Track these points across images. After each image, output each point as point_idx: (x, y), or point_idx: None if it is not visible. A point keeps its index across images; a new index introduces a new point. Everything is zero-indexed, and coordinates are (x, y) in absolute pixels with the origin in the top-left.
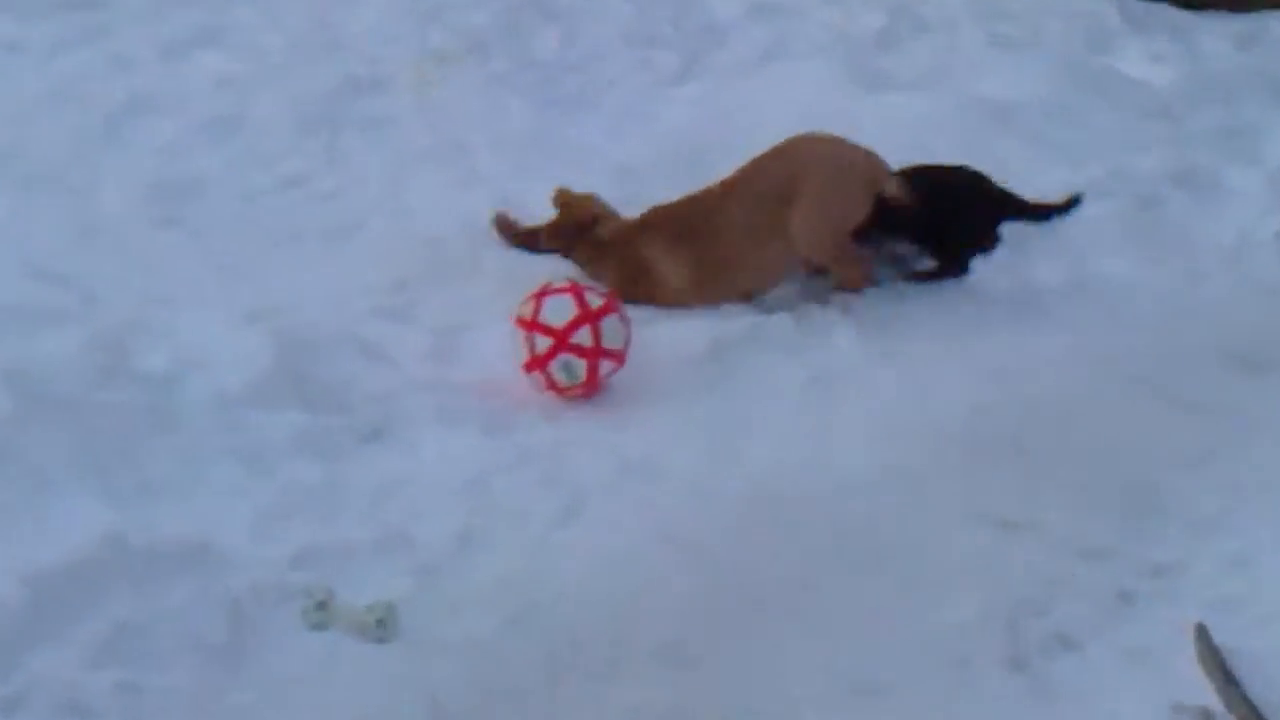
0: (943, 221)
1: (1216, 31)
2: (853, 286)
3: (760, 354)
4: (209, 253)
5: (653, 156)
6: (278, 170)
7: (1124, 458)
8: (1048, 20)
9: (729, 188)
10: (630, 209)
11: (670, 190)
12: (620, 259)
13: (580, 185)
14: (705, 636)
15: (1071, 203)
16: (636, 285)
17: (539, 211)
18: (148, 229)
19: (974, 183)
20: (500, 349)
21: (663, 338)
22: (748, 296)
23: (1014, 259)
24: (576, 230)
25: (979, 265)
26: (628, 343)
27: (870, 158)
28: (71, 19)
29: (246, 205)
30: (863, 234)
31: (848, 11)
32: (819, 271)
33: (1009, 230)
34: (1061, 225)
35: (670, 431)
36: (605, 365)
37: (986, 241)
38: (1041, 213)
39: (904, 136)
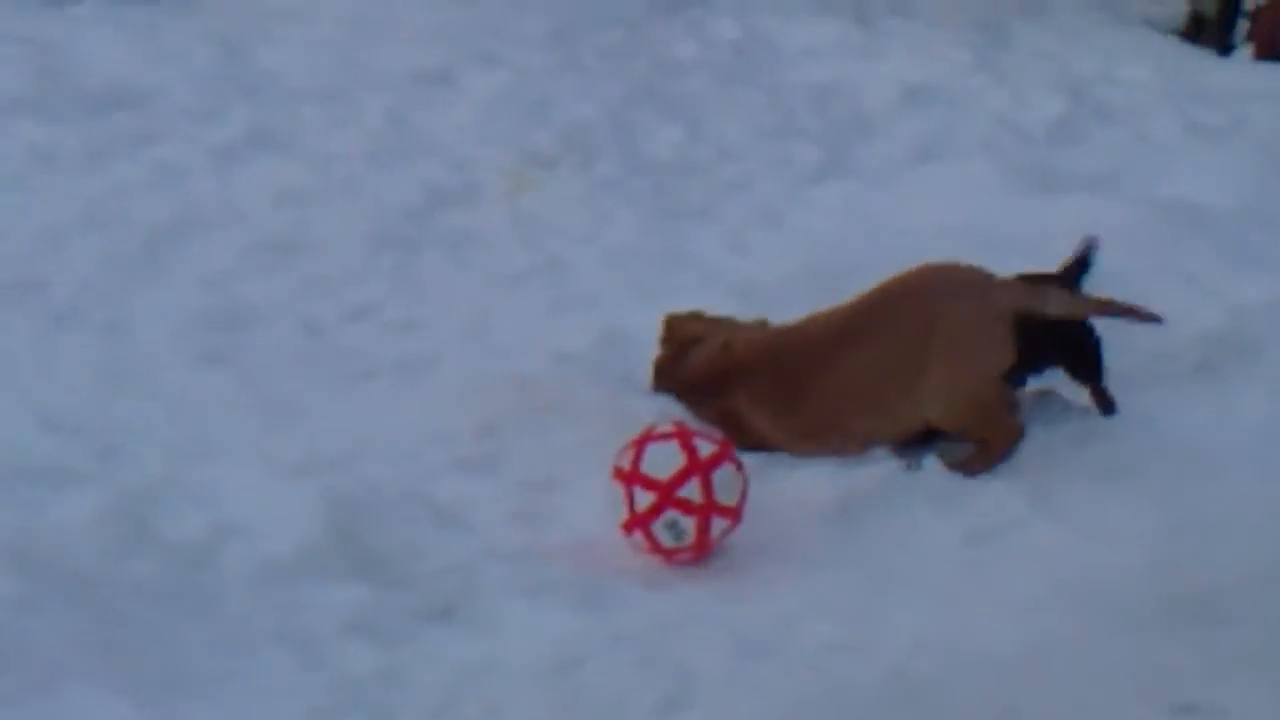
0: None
1: None
2: (1000, 451)
3: (900, 508)
4: (256, 396)
5: (783, 272)
6: (343, 297)
7: None
8: (1251, 105)
9: (842, 332)
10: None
11: (802, 312)
12: (708, 405)
13: (700, 307)
14: None
15: (1086, 252)
16: (730, 432)
17: (647, 345)
18: (186, 369)
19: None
20: (596, 507)
21: (785, 490)
22: (859, 451)
23: (1205, 386)
24: (673, 364)
25: (1168, 401)
26: (744, 497)
27: (1009, 285)
28: (111, 121)
29: (305, 339)
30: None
31: (1018, 97)
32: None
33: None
34: (1261, 346)
35: (795, 604)
36: (718, 524)
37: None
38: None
39: (1074, 244)
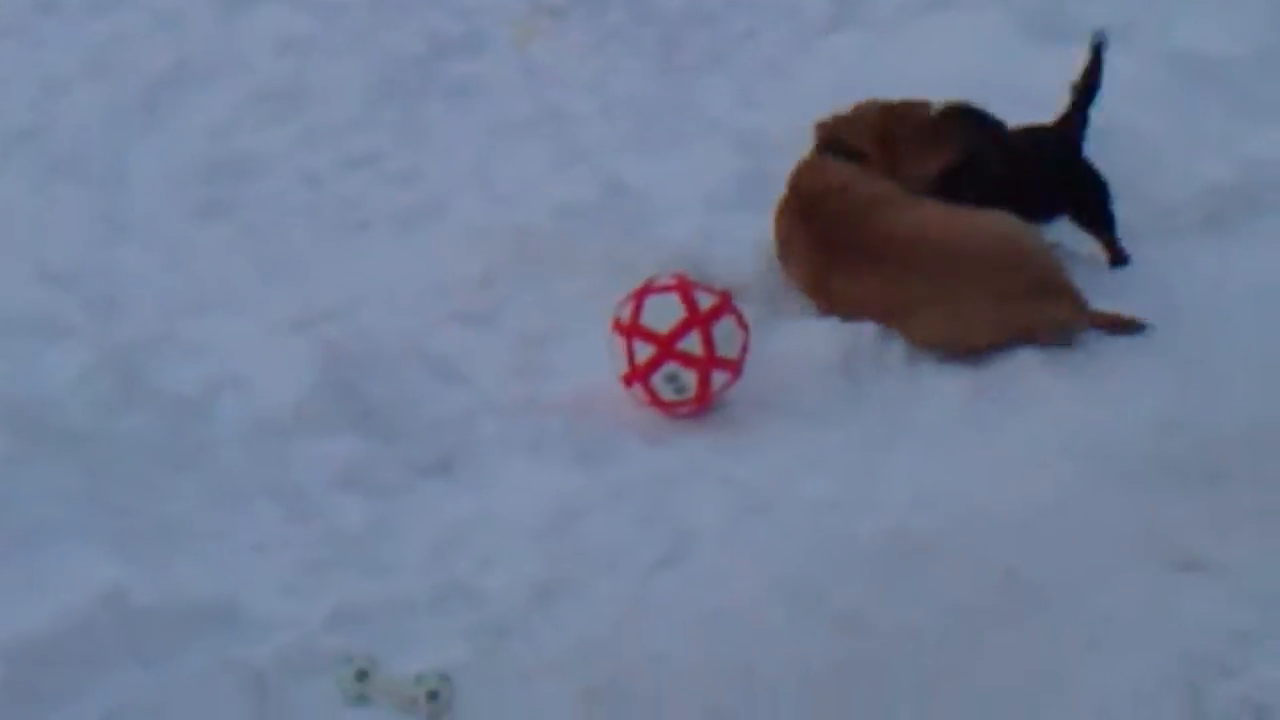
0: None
1: None
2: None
3: (905, 362)
4: (255, 247)
5: (790, 124)
6: (344, 147)
7: None
8: None
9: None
10: (757, 186)
11: None
12: None
13: (699, 160)
14: (833, 710)
15: (1096, 51)
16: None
17: (649, 197)
18: (185, 221)
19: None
20: (596, 359)
21: (787, 344)
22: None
23: (1219, 240)
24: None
25: (1176, 253)
26: (745, 350)
27: (1049, 265)
28: None
29: (306, 189)
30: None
31: None
32: None
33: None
34: (1273, 197)
35: (795, 459)
36: (718, 377)
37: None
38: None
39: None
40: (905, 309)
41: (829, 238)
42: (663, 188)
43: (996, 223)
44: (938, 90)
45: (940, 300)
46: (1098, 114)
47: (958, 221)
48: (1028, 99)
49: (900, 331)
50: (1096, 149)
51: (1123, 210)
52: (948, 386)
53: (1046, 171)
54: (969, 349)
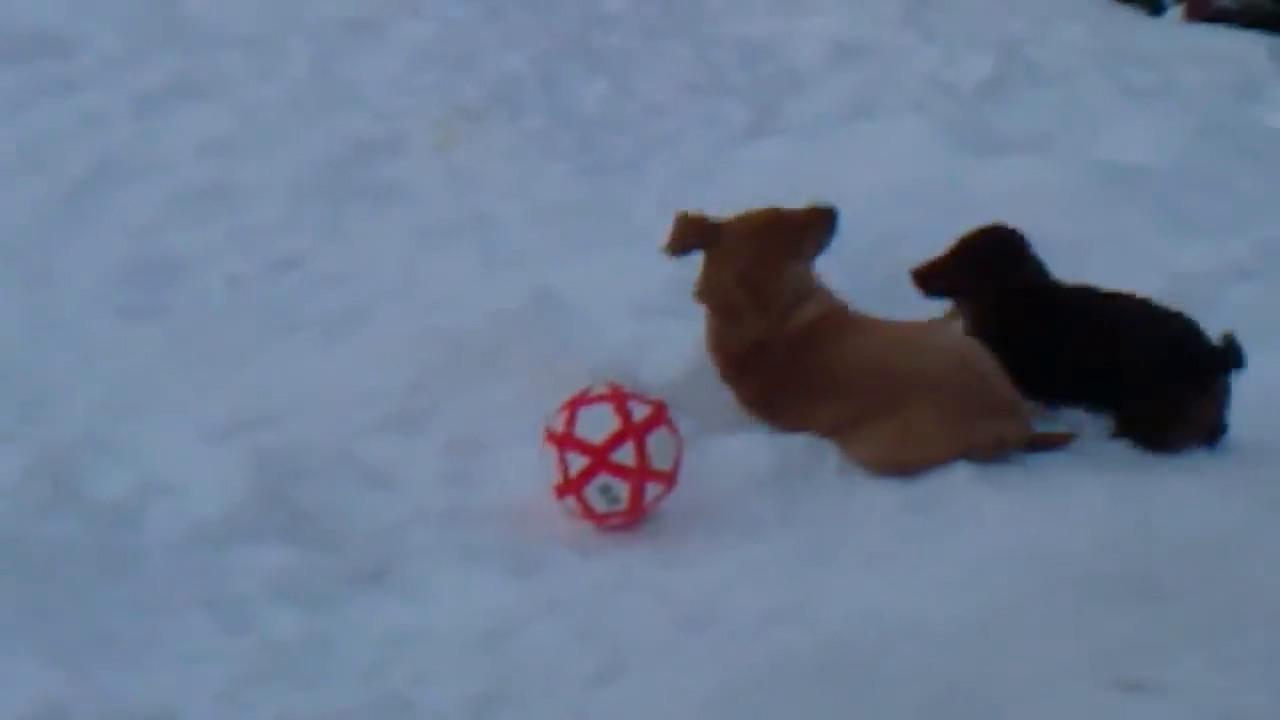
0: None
1: None
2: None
3: (838, 475)
4: (182, 350)
5: None
6: (270, 249)
7: (1273, 602)
8: (1184, 66)
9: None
10: (685, 293)
11: None
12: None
13: (626, 267)
14: None
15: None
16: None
17: (579, 304)
18: (111, 321)
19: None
20: (529, 470)
21: (721, 455)
22: None
23: None
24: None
25: None
26: (679, 462)
27: (999, 383)
28: (34, 69)
29: (231, 291)
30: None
31: (949, 55)
32: None
33: None
34: (1199, 314)
35: (731, 572)
36: (652, 489)
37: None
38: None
39: (1012, 208)
40: (852, 427)
41: (782, 366)
42: (592, 294)
43: (946, 340)
44: (863, 197)
45: (888, 419)
46: (1026, 223)
47: (907, 340)
48: (953, 208)
49: (844, 449)
50: None
51: None
52: (882, 500)
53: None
54: (914, 467)
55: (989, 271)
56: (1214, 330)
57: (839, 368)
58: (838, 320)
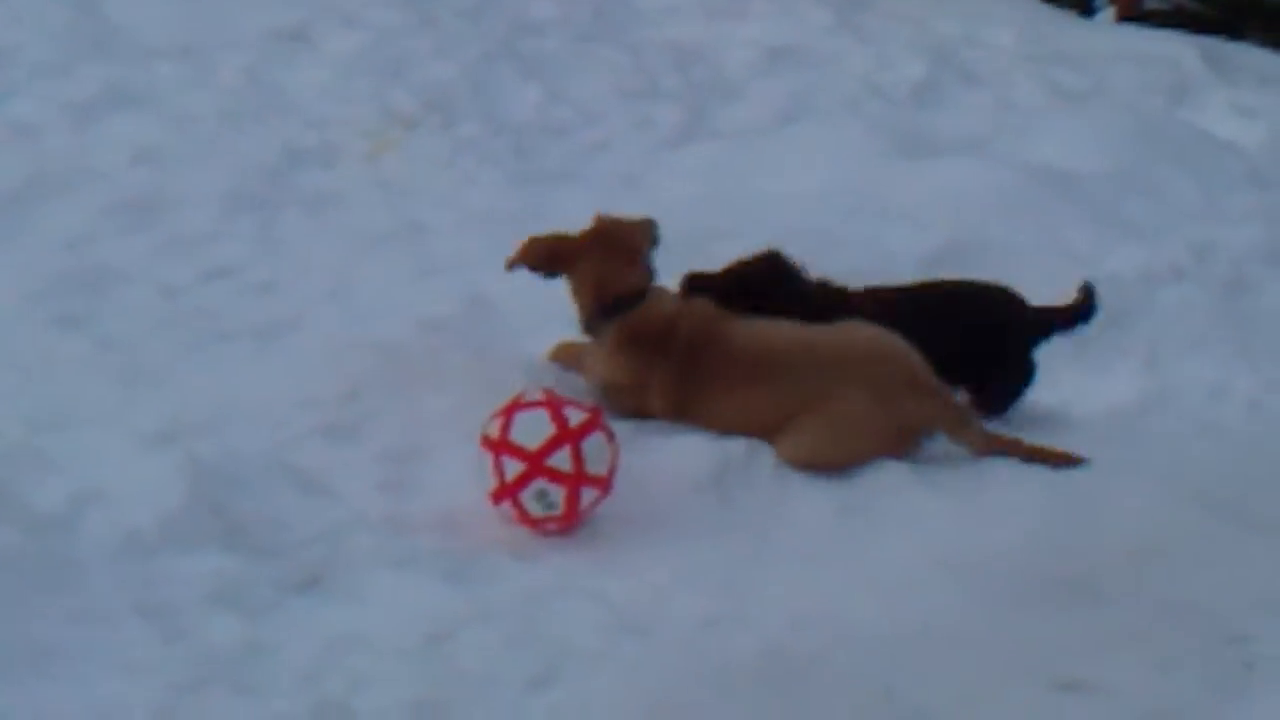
0: (970, 355)
1: None
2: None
3: (775, 478)
4: (115, 360)
5: None
6: (202, 259)
7: (1208, 603)
8: (1116, 68)
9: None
10: None
11: (674, 281)
12: None
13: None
14: None
15: (1087, 299)
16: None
17: (512, 311)
18: (41, 332)
19: (994, 303)
20: (464, 476)
21: (658, 460)
22: None
23: (1079, 359)
24: None
25: (1039, 371)
26: (615, 466)
27: (932, 402)
28: None
29: (164, 301)
30: None
31: (881, 59)
32: None
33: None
34: (1133, 316)
35: (667, 577)
36: (588, 494)
37: (1018, 378)
38: (1066, 320)
39: (945, 212)
40: (777, 425)
41: (689, 367)
42: (524, 302)
43: (858, 327)
44: (797, 202)
45: (815, 415)
46: (959, 227)
47: (819, 330)
48: (887, 211)
49: (774, 448)
50: (960, 262)
51: None
52: (818, 503)
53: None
54: (845, 463)
55: (753, 297)
56: (1145, 334)
57: (758, 359)
58: (728, 315)
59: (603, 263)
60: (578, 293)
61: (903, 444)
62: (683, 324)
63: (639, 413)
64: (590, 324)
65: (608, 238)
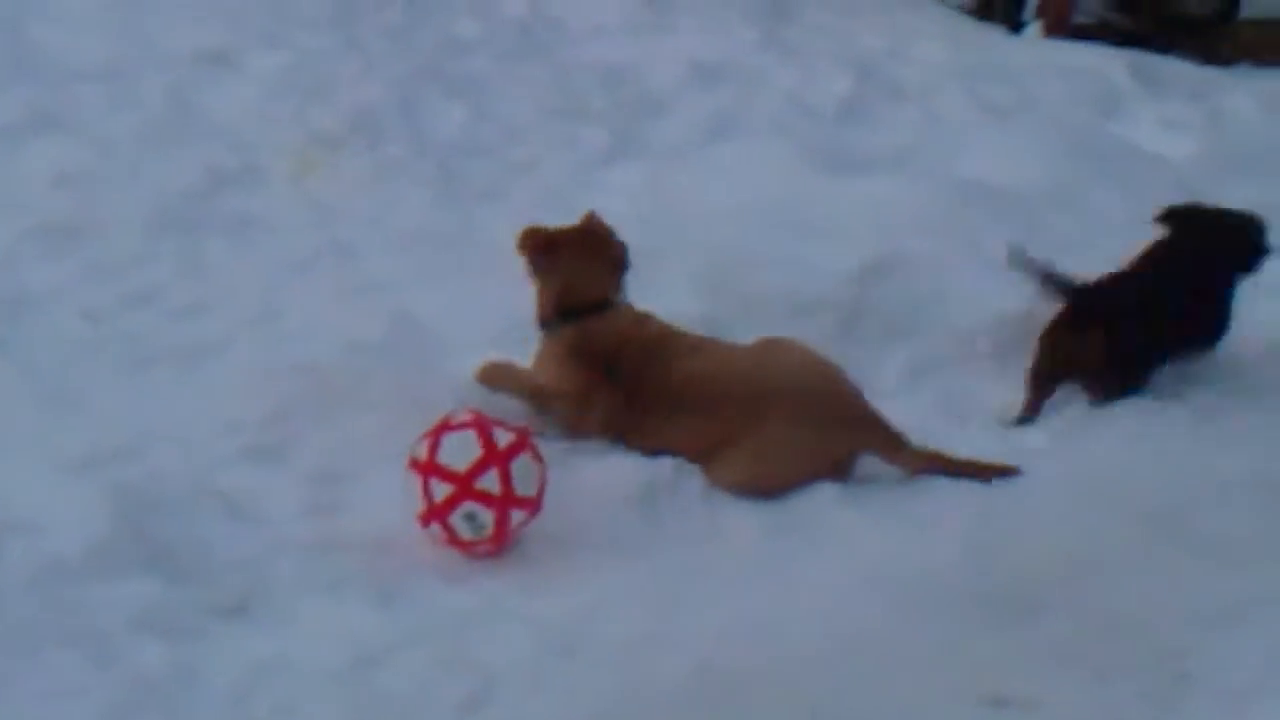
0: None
1: (1243, 90)
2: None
3: (703, 496)
4: (38, 385)
5: None
6: (125, 283)
7: (1143, 617)
8: (1044, 82)
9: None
10: None
11: None
12: None
13: (487, 293)
14: None
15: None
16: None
17: (439, 332)
18: None
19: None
20: (392, 499)
21: (586, 480)
22: None
23: (1007, 376)
24: None
25: (966, 387)
26: (543, 487)
27: (862, 426)
28: None
29: (86, 326)
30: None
31: (808, 75)
32: None
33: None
34: None
35: (597, 597)
36: (516, 515)
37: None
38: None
39: (874, 228)
40: (712, 448)
41: (632, 387)
42: (452, 322)
43: (798, 357)
44: (724, 219)
45: (747, 439)
46: (886, 243)
47: (759, 358)
48: (815, 227)
49: (706, 471)
50: (887, 278)
51: (915, 339)
52: (747, 521)
53: None
54: (776, 488)
55: None
56: None
57: (692, 385)
58: (677, 336)
59: (579, 263)
60: (546, 286)
61: (835, 469)
62: (633, 344)
63: (573, 426)
64: (547, 323)
65: (593, 240)
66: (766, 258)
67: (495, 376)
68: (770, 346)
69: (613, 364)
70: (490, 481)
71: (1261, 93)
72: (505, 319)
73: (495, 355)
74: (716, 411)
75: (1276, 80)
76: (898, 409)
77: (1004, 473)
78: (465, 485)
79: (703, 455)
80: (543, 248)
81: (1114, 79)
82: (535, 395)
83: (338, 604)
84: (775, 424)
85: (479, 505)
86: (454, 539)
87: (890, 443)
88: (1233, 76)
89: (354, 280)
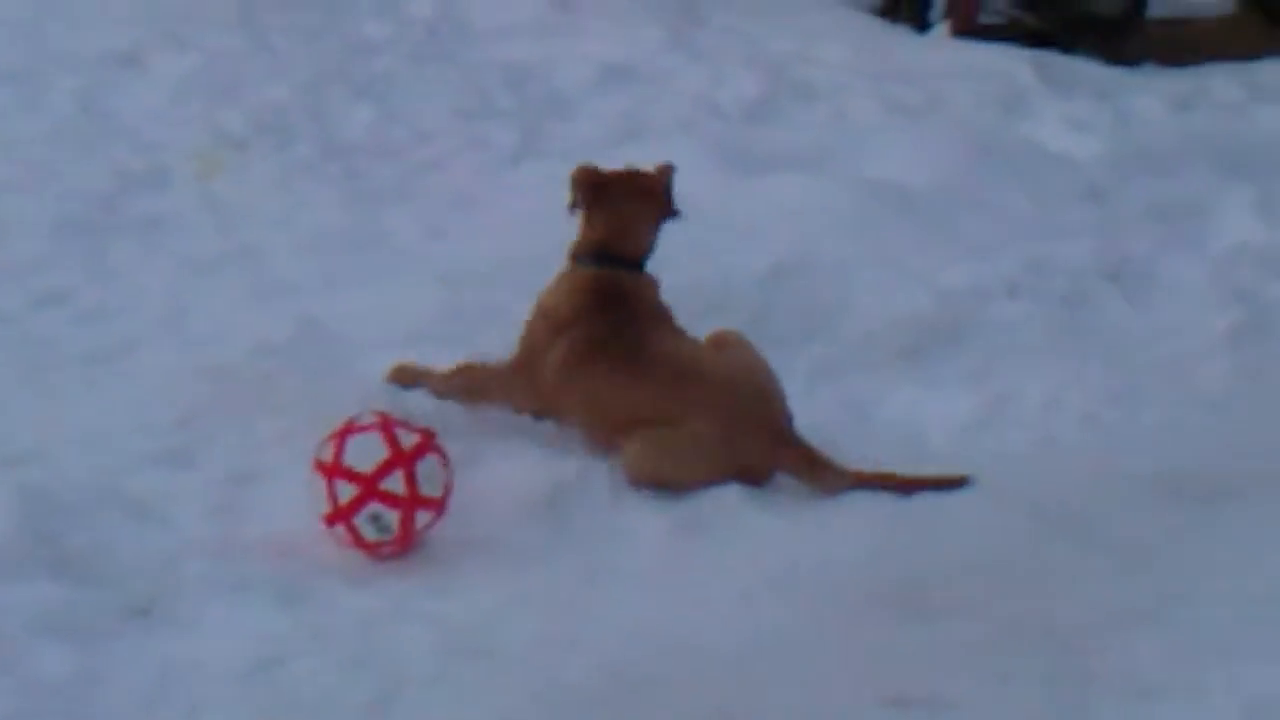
0: None
1: (1148, 91)
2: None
3: (612, 498)
4: None
5: (482, 256)
6: (32, 286)
7: (1047, 618)
8: (951, 83)
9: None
10: (453, 319)
11: (511, 300)
12: None
13: (395, 294)
14: None
15: None
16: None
17: (346, 334)
18: None
19: None
20: (298, 500)
21: (492, 480)
22: None
23: (911, 375)
24: None
25: (874, 388)
26: (449, 489)
27: (783, 450)
28: None
29: None
30: None
31: (717, 77)
32: None
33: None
34: (968, 331)
35: (503, 599)
36: (422, 516)
37: None
38: None
39: (784, 228)
40: (631, 427)
41: (608, 340)
42: (360, 324)
43: (735, 359)
44: None
45: (665, 430)
46: (795, 244)
47: (707, 351)
48: (723, 228)
49: (618, 454)
50: (797, 279)
51: (822, 340)
52: (653, 522)
53: None
54: (677, 485)
55: None
56: (980, 350)
57: (664, 360)
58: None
59: (628, 212)
60: (590, 226)
61: (747, 478)
62: (646, 304)
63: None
64: (580, 258)
65: (645, 192)
66: (675, 257)
67: (407, 376)
68: (717, 340)
69: (617, 317)
70: (395, 483)
71: (1167, 92)
72: (413, 320)
73: (404, 357)
74: (656, 391)
75: (1182, 80)
76: (804, 410)
77: (953, 484)
78: (370, 486)
79: (623, 430)
80: (596, 188)
81: (1020, 79)
82: (457, 378)
83: (243, 606)
84: (697, 422)
85: (384, 506)
86: (359, 540)
87: (808, 467)
88: (1139, 76)
89: (261, 283)
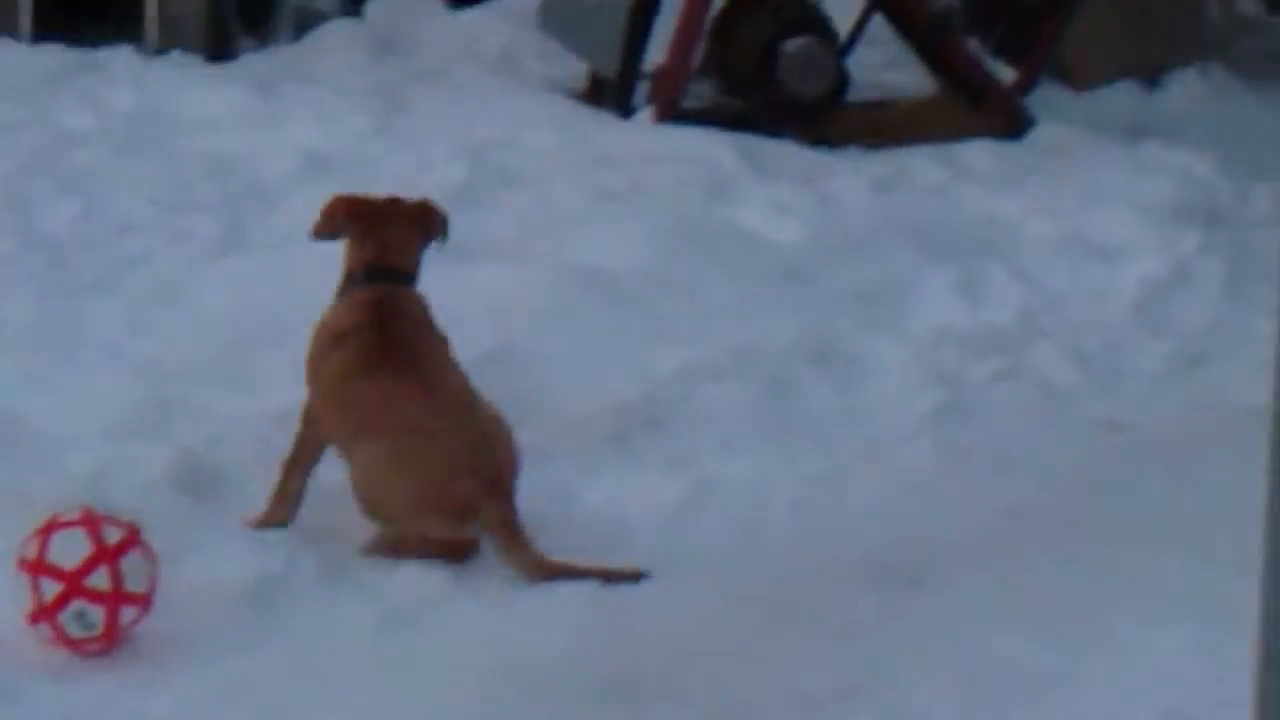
0: None
1: (850, 173)
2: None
3: (320, 588)
4: None
5: (185, 349)
6: None
7: (752, 701)
8: (655, 167)
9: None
10: (155, 414)
11: (213, 393)
12: None
13: (97, 387)
14: None
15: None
16: None
17: (46, 429)
18: None
19: None
20: (2, 598)
21: (198, 574)
22: None
23: (617, 461)
24: None
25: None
26: (155, 583)
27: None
28: None
29: None
30: None
31: (422, 164)
32: None
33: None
34: (673, 417)
35: (211, 693)
36: (127, 612)
37: None
38: None
39: (486, 318)
40: (378, 432)
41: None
42: (60, 419)
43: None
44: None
45: (403, 438)
46: (500, 334)
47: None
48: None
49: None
50: (501, 367)
51: (528, 429)
52: (359, 613)
53: None
54: (388, 500)
55: None
56: (685, 435)
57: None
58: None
59: (396, 230)
60: (358, 248)
61: (451, 523)
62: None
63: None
64: (352, 278)
65: (412, 211)
66: None
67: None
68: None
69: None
70: (100, 579)
71: (869, 174)
72: (114, 415)
73: (104, 451)
74: (419, 399)
75: (885, 162)
76: None
77: (629, 577)
78: (75, 583)
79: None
80: (361, 213)
81: (724, 163)
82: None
83: None
84: (432, 444)
85: (89, 603)
86: (64, 638)
87: (510, 536)
88: (842, 159)
89: None
